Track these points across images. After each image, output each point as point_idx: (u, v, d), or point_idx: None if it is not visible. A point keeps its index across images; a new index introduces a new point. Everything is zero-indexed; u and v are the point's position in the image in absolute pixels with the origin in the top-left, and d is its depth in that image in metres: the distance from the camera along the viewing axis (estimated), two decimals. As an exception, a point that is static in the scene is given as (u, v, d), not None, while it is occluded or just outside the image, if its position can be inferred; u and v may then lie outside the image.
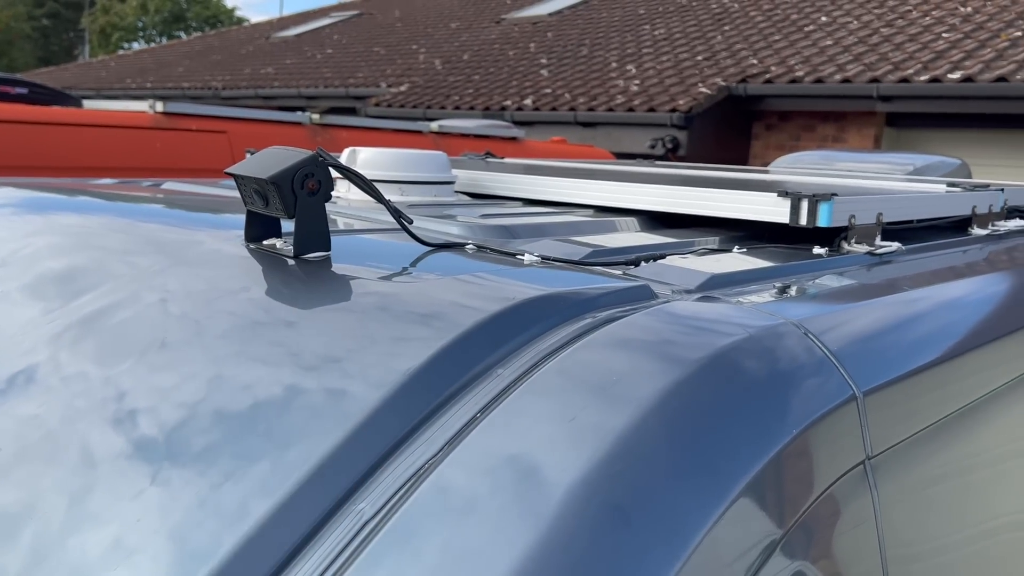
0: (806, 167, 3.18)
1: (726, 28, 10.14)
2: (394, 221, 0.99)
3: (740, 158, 8.72)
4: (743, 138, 8.82)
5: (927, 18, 8.88)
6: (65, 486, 0.69)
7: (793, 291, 0.95)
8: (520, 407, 0.66)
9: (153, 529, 0.64)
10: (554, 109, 8.93)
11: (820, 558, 0.69)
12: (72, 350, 0.85)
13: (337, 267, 0.93)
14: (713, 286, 0.95)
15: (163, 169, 3.70)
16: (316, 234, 0.94)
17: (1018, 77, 6.87)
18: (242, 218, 1.02)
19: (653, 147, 8.16)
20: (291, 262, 0.93)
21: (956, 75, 7.17)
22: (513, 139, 5.60)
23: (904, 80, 7.41)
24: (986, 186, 1.86)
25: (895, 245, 1.34)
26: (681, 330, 0.77)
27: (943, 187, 1.86)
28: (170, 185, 1.74)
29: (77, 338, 0.86)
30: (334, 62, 13.27)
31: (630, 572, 0.55)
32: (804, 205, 1.26)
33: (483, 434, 0.64)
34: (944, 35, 8.29)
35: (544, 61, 10.69)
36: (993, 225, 1.76)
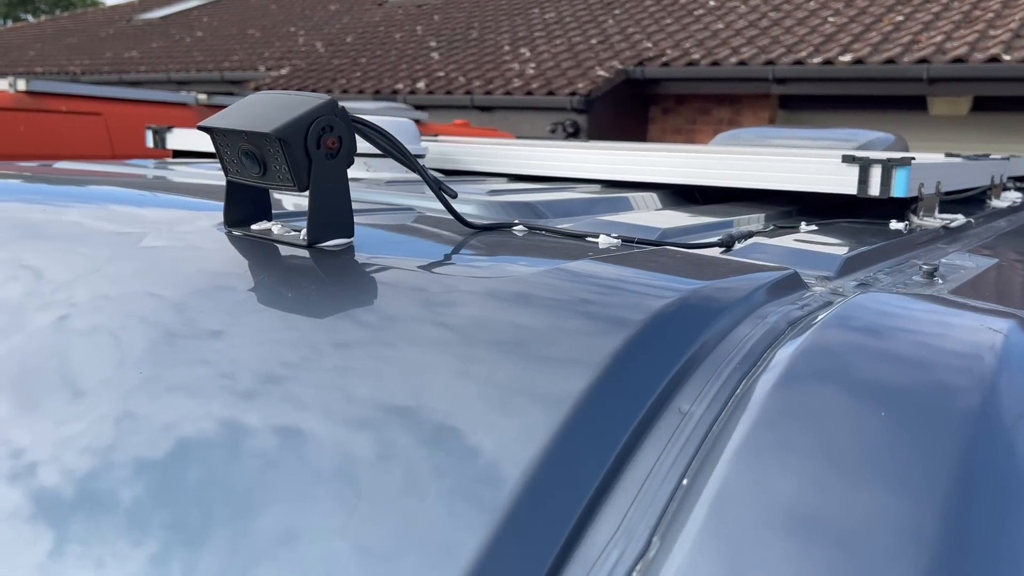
0: (746, 142, 3.05)
1: (616, 12, 10.09)
2: (402, 200, 0.74)
3: (639, 142, 8.68)
4: (640, 122, 8.79)
5: (812, 2, 9.08)
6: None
7: (940, 276, 0.77)
8: (755, 471, 0.42)
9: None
10: (449, 92, 8.63)
11: None
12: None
13: (366, 257, 0.65)
14: (852, 270, 0.77)
15: (28, 156, 3.21)
16: (336, 214, 0.66)
17: (905, 59, 7.07)
18: (198, 200, 0.72)
19: (553, 131, 8.00)
20: (303, 254, 0.65)
21: (847, 57, 7.32)
22: (416, 121, 5.32)
23: (797, 63, 7.51)
24: (986, 156, 1.76)
25: (960, 218, 1.18)
26: (927, 335, 0.55)
27: (942, 156, 1.74)
28: (65, 165, 1.38)
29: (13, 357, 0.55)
30: (205, 45, 12.48)
31: None
32: (875, 172, 1.07)
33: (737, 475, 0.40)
34: (830, 19, 8.49)
35: (434, 44, 10.35)
36: (1001, 195, 1.67)
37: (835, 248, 0.83)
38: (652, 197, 1.26)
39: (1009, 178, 1.90)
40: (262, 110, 0.63)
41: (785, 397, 0.47)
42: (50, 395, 0.52)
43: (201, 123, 0.64)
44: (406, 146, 1.46)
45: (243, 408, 0.48)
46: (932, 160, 1.27)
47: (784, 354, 0.51)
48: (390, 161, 1.32)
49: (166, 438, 0.47)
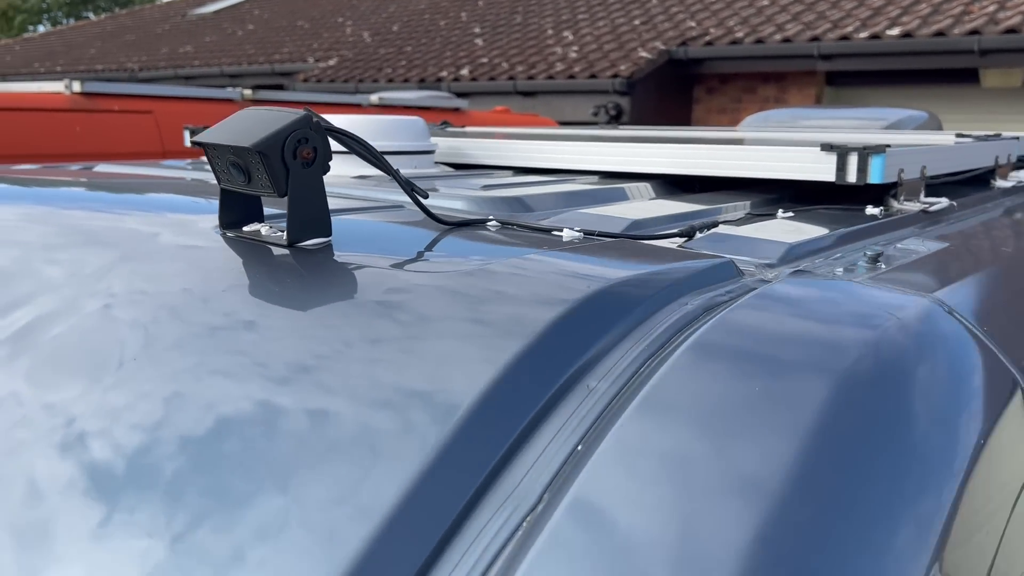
0: (777, 125, 3.06)
1: (660, -9, 10.02)
2: (387, 198, 0.82)
3: (682, 123, 8.64)
4: (684, 103, 8.73)
5: (859, -25, 8.88)
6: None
7: (884, 261, 0.81)
8: (636, 439, 0.49)
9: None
10: (492, 79, 8.69)
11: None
12: (5, 374, 0.64)
13: (341, 255, 0.73)
14: (795, 258, 0.81)
15: (83, 155, 3.38)
16: (314, 216, 0.74)
17: (955, 31, 6.90)
18: (208, 202, 0.81)
19: (596, 115, 8.01)
20: (284, 252, 0.73)
21: (895, 31, 7.17)
22: (456, 110, 5.40)
23: (844, 38, 7.38)
24: (997, 136, 1.75)
25: (944, 201, 1.21)
26: (820, 317, 0.61)
27: (952, 138, 1.75)
28: (104, 167, 1.50)
29: (8, 361, 0.65)
30: (257, 38, 12.74)
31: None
32: (853, 160, 1.11)
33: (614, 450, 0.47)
34: (878, -9, 8.31)
35: (478, 30, 10.41)
36: (1009, 176, 1.66)
37: (788, 236, 0.88)
38: (647, 187, 1.31)
39: None
40: (246, 125, 0.72)
41: (678, 375, 0.54)
42: (31, 378, 0.62)
43: (194, 138, 0.73)
44: (417, 143, 1.54)
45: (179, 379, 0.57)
46: (917, 145, 1.30)
47: (689, 338, 0.58)
48: (399, 159, 1.41)
49: (129, 410, 0.57)
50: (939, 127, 3.10)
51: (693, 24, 8.69)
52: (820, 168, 1.15)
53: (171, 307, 0.66)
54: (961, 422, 0.56)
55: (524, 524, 0.46)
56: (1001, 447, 0.59)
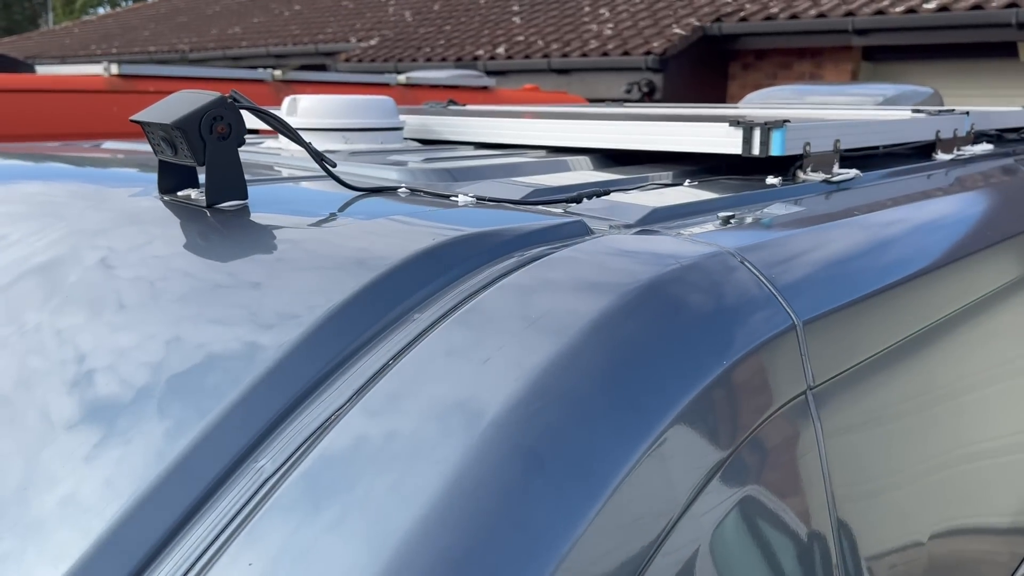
0: (776, 102, 3.12)
1: (699, -34, 9.95)
2: (341, 168, 0.95)
3: (717, 99, 8.61)
4: (719, 79, 8.71)
5: (902, -52, 8.72)
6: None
7: (735, 221, 0.91)
8: (433, 351, 0.62)
9: (42, 493, 0.60)
10: (527, 57, 8.78)
11: (761, 490, 0.66)
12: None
13: (255, 215, 0.88)
14: (654, 220, 0.92)
15: (121, 134, 3.61)
16: (230, 181, 0.89)
17: (993, 4, 6.78)
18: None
19: (629, 91, 8.05)
20: (204, 212, 0.88)
21: (931, 4, 7.07)
22: (484, 88, 5.50)
23: (879, 12, 7.29)
24: (951, 111, 1.82)
25: (852, 172, 1.30)
26: (608, 264, 0.73)
27: (908, 113, 1.82)
28: (111, 144, 1.68)
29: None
30: (302, 18, 12.99)
31: (542, 516, 0.52)
32: (756, 134, 1.22)
33: (393, 381, 0.60)
34: (919, -36, 8.16)
35: (516, 8, 10.48)
36: (959, 150, 1.73)
37: (662, 201, 0.99)
38: (586, 160, 1.43)
39: (1005, 129, 1.94)
40: (172, 107, 0.87)
41: (479, 309, 0.66)
42: None
43: (131, 117, 0.89)
44: (385, 121, 1.68)
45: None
46: (832, 119, 1.40)
47: (501, 279, 0.70)
48: (365, 134, 1.55)
49: None
50: (941, 103, 3.13)
51: (729, 0, 8.65)
52: (729, 142, 1.26)
53: (111, 255, 0.82)
54: (725, 346, 0.68)
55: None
56: (765, 372, 0.70)
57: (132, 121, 0.90)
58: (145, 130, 0.90)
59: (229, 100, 0.88)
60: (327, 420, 0.59)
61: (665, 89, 7.97)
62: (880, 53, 7.90)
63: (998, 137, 1.97)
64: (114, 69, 3.86)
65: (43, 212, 0.95)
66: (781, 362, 0.71)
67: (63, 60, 13.54)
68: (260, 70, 4.56)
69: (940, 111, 1.84)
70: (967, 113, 1.79)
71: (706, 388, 0.63)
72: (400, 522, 0.50)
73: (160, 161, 0.93)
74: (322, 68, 10.24)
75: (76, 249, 0.84)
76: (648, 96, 7.94)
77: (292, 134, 0.95)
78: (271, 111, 0.93)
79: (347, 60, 10.38)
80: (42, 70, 4.26)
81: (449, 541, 0.50)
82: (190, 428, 0.60)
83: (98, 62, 4.20)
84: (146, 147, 1.63)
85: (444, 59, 9.42)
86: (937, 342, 0.97)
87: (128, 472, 0.59)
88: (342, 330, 0.65)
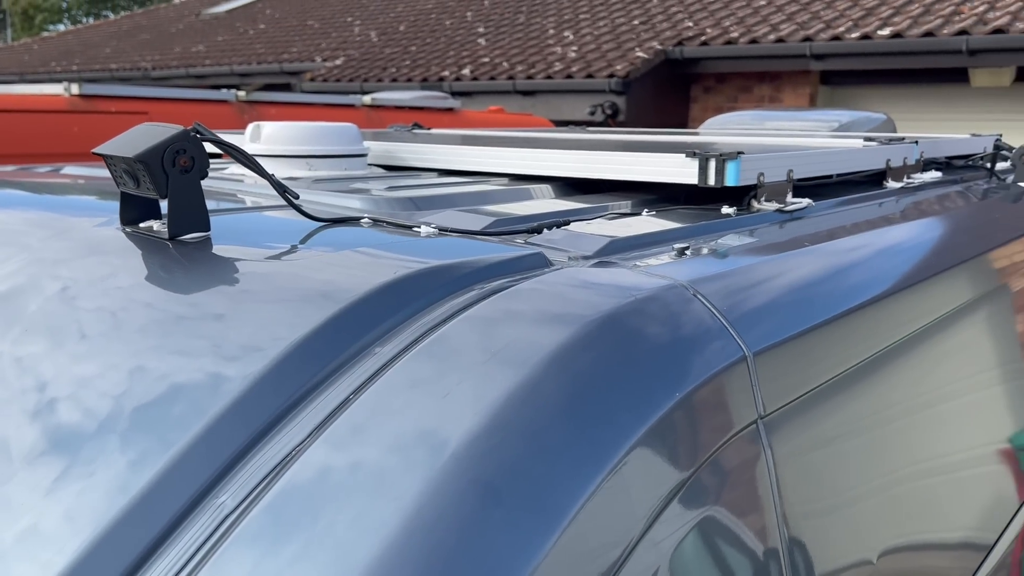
0: (735, 128, 3.19)
1: (662, -9, 10.13)
2: (305, 199, 0.95)
3: (680, 122, 8.75)
4: (682, 101, 8.85)
5: (857, -25, 8.95)
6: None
7: (690, 252, 0.93)
8: (394, 385, 0.63)
9: None
10: (492, 78, 8.84)
11: (713, 518, 0.68)
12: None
13: (217, 248, 0.89)
14: (612, 251, 0.93)
15: (82, 155, 3.57)
16: (192, 214, 0.90)
17: (945, 31, 6.98)
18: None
19: (592, 114, 8.14)
20: (167, 244, 0.89)
21: (886, 31, 7.26)
22: (449, 110, 5.53)
23: (836, 38, 7.48)
24: (901, 139, 1.87)
25: (805, 201, 1.33)
26: (566, 297, 0.75)
27: (860, 142, 1.87)
28: (71, 169, 1.67)
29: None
30: (267, 37, 12.95)
31: (499, 549, 0.53)
32: (712, 165, 1.24)
33: (353, 416, 0.61)
34: (874, -8, 8.39)
35: (481, 30, 10.56)
36: (908, 178, 1.77)
37: (621, 232, 1.01)
38: (548, 188, 1.46)
39: (956, 157, 2.00)
40: (134, 139, 0.88)
41: (440, 342, 0.67)
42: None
43: (93, 150, 0.89)
44: (349, 147, 1.69)
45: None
46: (785, 149, 1.43)
47: (462, 312, 0.72)
48: (329, 161, 1.56)
49: None
50: (893, 130, 3.22)
51: (691, 24, 8.81)
52: (686, 172, 1.28)
53: (70, 287, 0.82)
54: (677, 378, 0.70)
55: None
56: (717, 402, 0.72)
57: (94, 154, 0.90)
58: (107, 162, 0.91)
59: (192, 133, 0.89)
60: (289, 454, 0.60)
61: (628, 111, 8.07)
62: (837, 77, 8.09)
63: (947, 164, 2.03)
64: (74, 89, 3.83)
65: (1, 240, 0.95)
66: (732, 393, 0.73)
67: (22, 77, 13.34)
68: (224, 91, 4.54)
69: (891, 139, 1.89)
70: (916, 142, 1.84)
71: (660, 419, 0.65)
72: (361, 556, 0.52)
73: (122, 193, 0.93)
74: (287, 87, 10.21)
75: (36, 279, 0.84)
76: (612, 118, 8.03)
77: (255, 167, 0.96)
78: (234, 144, 0.94)
79: (312, 79, 10.36)
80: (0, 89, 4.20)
81: (409, 574, 0.51)
82: (151, 463, 0.61)
83: (58, 80, 4.16)
84: (106, 173, 1.63)
85: (410, 79, 9.45)
86: (886, 368, 1.00)
87: (87, 507, 0.59)
88: (304, 364, 0.66)
